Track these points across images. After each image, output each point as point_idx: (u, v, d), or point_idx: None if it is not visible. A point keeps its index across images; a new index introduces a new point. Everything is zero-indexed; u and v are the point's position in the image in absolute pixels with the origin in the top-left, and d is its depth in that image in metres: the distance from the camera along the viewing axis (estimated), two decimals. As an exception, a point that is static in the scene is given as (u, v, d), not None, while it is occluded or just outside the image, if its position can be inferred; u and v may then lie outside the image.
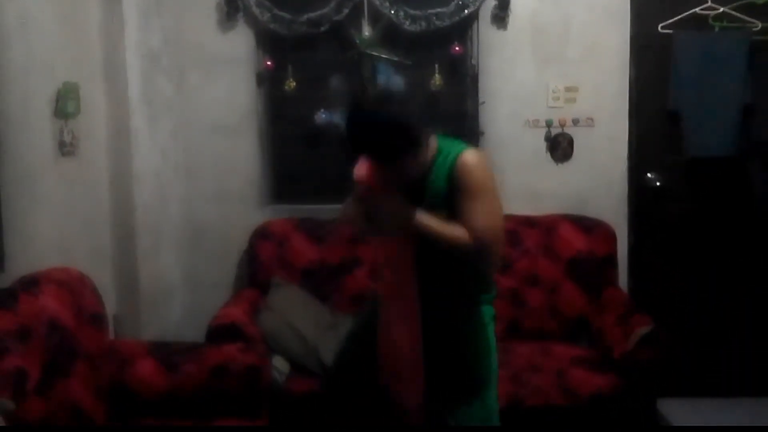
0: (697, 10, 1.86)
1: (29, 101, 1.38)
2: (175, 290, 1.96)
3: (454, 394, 1.14)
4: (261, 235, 1.90)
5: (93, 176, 1.62)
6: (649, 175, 1.95)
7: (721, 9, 1.85)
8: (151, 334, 1.71)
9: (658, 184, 1.94)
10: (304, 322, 1.67)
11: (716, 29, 1.87)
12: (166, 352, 1.43)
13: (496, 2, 1.88)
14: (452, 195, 1.08)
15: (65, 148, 1.49)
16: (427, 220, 1.07)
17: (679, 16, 1.86)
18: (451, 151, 1.10)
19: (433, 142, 1.12)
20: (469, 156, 1.08)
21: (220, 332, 1.56)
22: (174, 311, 1.94)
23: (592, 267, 1.83)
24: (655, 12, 1.88)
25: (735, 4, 1.85)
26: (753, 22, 1.85)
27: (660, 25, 1.88)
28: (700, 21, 1.87)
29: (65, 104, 1.47)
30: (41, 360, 1.19)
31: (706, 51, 1.86)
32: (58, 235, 1.47)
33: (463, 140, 1.15)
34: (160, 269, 1.85)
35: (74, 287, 1.36)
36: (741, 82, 1.86)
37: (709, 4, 1.85)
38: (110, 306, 1.60)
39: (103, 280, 1.59)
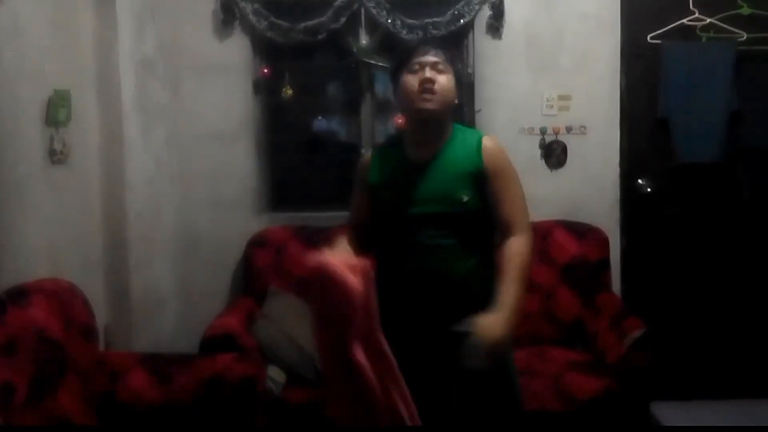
0: (684, 21, 1.90)
1: (19, 109, 1.35)
2: (168, 300, 1.92)
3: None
4: (257, 243, 1.88)
5: (84, 185, 1.59)
6: (640, 181, 1.98)
7: (708, 20, 1.90)
8: (143, 346, 1.68)
9: (648, 189, 1.97)
10: (300, 331, 1.64)
11: (703, 39, 1.91)
12: (158, 364, 1.41)
13: (491, 12, 1.90)
14: (483, 178, 1.10)
15: (56, 157, 1.46)
16: (511, 302, 1.07)
17: (668, 27, 1.91)
18: (467, 135, 1.15)
19: (450, 123, 1.17)
20: (494, 140, 1.15)
21: (215, 343, 1.54)
22: (167, 322, 1.90)
23: (586, 272, 1.85)
24: (645, 22, 1.92)
25: (721, 15, 1.90)
26: (739, 33, 1.90)
27: (649, 36, 1.92)
28: (687, 31, 1.91)
29: (56, 112, 1.45)
30: (29, 373, 1.16)
31: (693, 60, 1.91)
32: (48, 244, 1.43)
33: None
34: (153, 279, 1.82)
35: (64, 298, 1.33)
36: (727, 91, 1.90)
37: (697, 15, 1.90)
38: (101, 317, 1.57)
39: (94, 290, 1.56)
